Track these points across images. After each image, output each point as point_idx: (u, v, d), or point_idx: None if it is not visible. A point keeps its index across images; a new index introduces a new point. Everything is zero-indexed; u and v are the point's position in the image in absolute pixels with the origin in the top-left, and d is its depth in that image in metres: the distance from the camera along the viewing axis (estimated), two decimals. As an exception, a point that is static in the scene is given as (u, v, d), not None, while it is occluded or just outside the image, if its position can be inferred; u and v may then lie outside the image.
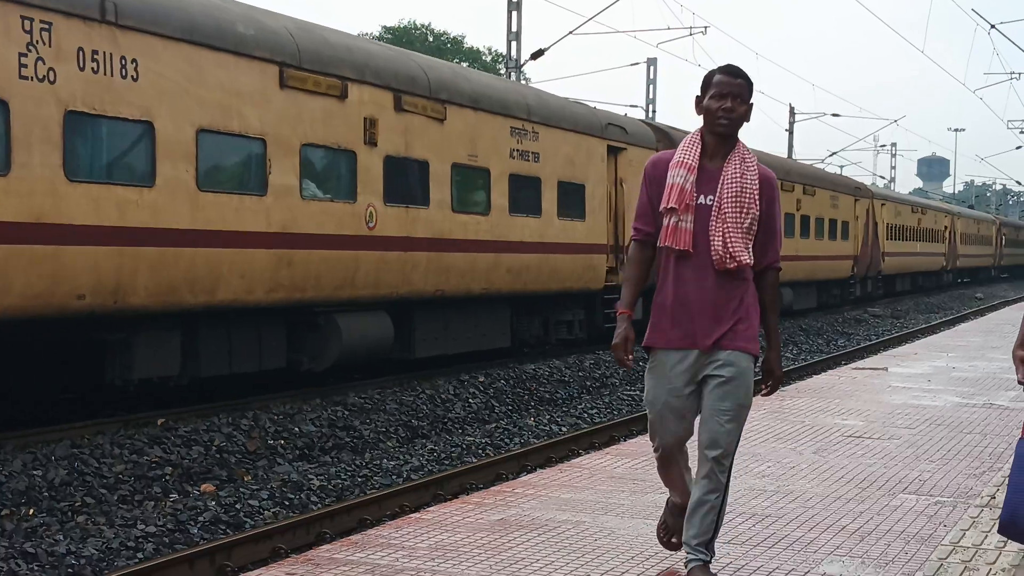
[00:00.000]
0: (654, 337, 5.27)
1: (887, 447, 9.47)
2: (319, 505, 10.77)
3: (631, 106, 39.72)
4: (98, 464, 10.98)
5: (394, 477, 12.02)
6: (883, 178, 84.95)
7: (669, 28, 36.78)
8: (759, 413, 11.28)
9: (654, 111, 40.50)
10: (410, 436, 14.31)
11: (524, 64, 31.57)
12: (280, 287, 14.14)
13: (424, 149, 16.87)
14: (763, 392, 5.36)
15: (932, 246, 57.40)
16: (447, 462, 12.95)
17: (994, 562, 6.03)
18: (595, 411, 16.97)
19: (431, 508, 7.45)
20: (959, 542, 6.44)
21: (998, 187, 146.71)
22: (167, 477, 11.13)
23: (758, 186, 5.19)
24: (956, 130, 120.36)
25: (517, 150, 19.35)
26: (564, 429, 15.35)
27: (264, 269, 13.87)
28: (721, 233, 5.12)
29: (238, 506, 10.44)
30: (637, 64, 41.91)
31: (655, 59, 41.53)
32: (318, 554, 6.14)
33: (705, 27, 34.93)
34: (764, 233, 5.25)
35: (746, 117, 5.21)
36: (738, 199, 5.14)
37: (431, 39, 70.11)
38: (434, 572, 5.69)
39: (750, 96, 5.24)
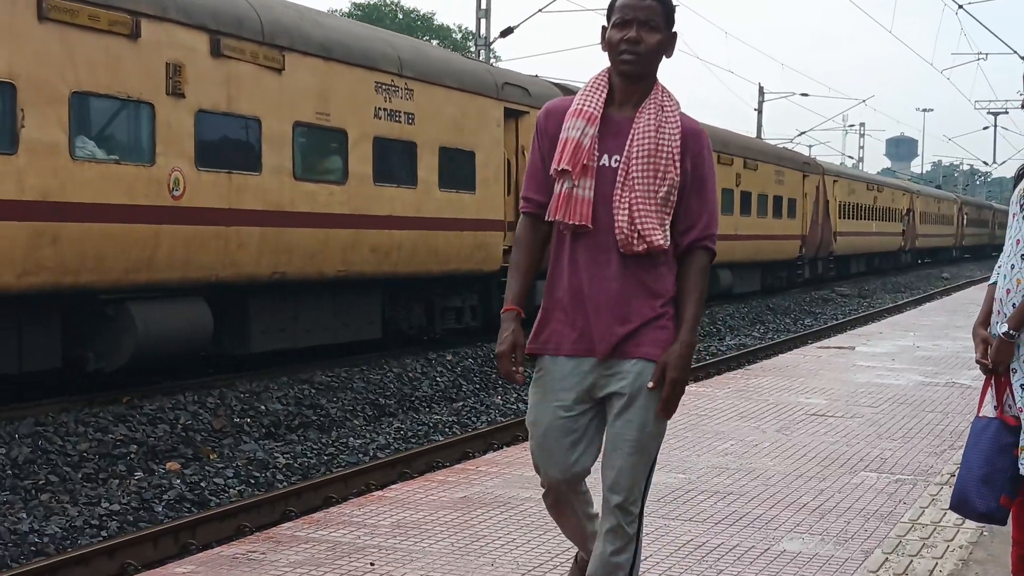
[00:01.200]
0: (540, 340, 4.08)
1: (849, 425, 9.54)
2: (285, 483, 10.76)
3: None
4: (62, 442, 10.94)
5: (360, 455, 12.03)
6: (851, 158, 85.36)
7: (639, 7, 36.70)
8: (724, 392, 11.34)
9: (623, 90, 40.47)
10: (377, 414, 14.31)
11: (494, 42, 31.51)
12: (41, 269, 11.53)
13: (255, 104, 14.20)
14: (649, 386, 3.92)
15: (889, 225, 55.11)
16: (414, 440, 12.96)
17: (952, 539, 6.10)
18: (562, 389, 16.97)
19: (395, 486, 7.46)
20: (918, 519, 6.51)
21: (965, 167, 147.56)
22: (132, 455, 11.10)
23: (679, 142, 3.93)
24: (924, 110, 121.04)
25: (385, 109, 16.59)
26: (531, 407, 15.35)
27: (14, 247, 11.25)
28: (628, 205, 3.88)
29: (203, 484, 10.42)
30: (607, 43, 41.58)
31: (625, 38, 41.43)
32: (280, 532, 6.14)
33: (675, 5, 34.93)
34: (689, 204, 3.98)
35: (662, 51, 4.02)
36: (651, 160, 3.89)
37: (401, 16, 69.87)
38: (395, 549, 5.70)
39: (667, 22, 4.04)
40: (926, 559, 5.73)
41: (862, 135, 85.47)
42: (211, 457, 11.58)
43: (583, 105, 4.01)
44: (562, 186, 3.96)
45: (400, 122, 16.98)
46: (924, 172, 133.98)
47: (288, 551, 5.68)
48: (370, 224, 16.35)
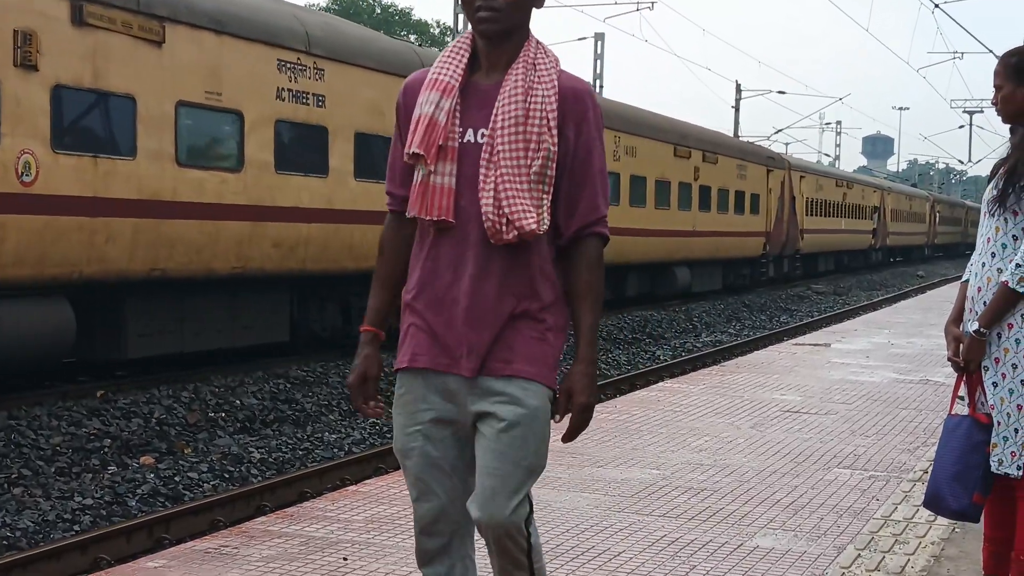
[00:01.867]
0: (401, 353, 3.43)
1: (824, 422, 9.57)
2: (259, 478, 10.74)
3: (578, 81, 39.69)
4: (35, 436, 10.89)
5: (336, 450, 12.01)
6: (828, 156, 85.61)
7: (616, 3, 36.74)
8: (699, 388, 11.36)
9: (601, 86, 40.52)
10: (352, 409, 14.28)
11: (471, 37, 31.49)
12: None
13: (128, 80, 12.77)
14: (556, 418, 3.34)
15: (859, 223, 53.71)
16: (389, 436, 12.94)
17: (924, 535, 6.12)
18: (538, 385, 16.99)
19: (369, 481, 7.45)
20: (891, 516, 6.53)
21: (941, 166, 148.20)
22: (105, 449, 11.05)
23: (555, 106, 3.26)
24: (900, 109, 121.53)
25: (290, 90, 15.17)
26: (507, 403, 15.36)
27: None
28: (493, 186, 3.21)
29: (177, 479, 10.39)
30: (584, 39, 41.84)
31: (602, 34, 41.53)
32: (252, 526, 6.12)
33: (652, 2, 34.93)
34: (572, 180, 3.31)
35: (529, 1, 3.35)
36: (520, 129, 3.23)
37: (379, 11, 69.72)
38: (368, 544, 5.70)
39: None
40: (898, 555, 5.76)
41: (839, 133, 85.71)
42: (185, 451, 11.54)
43: (438, 74, 3.35)
44: (418, 174, 3.32)
45: (308, 104, 15.53)
46: (900, 170, 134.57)
47: (261, 546, 5.67)
48: (272, 216, 14.90)
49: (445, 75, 3.35)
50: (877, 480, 7.45)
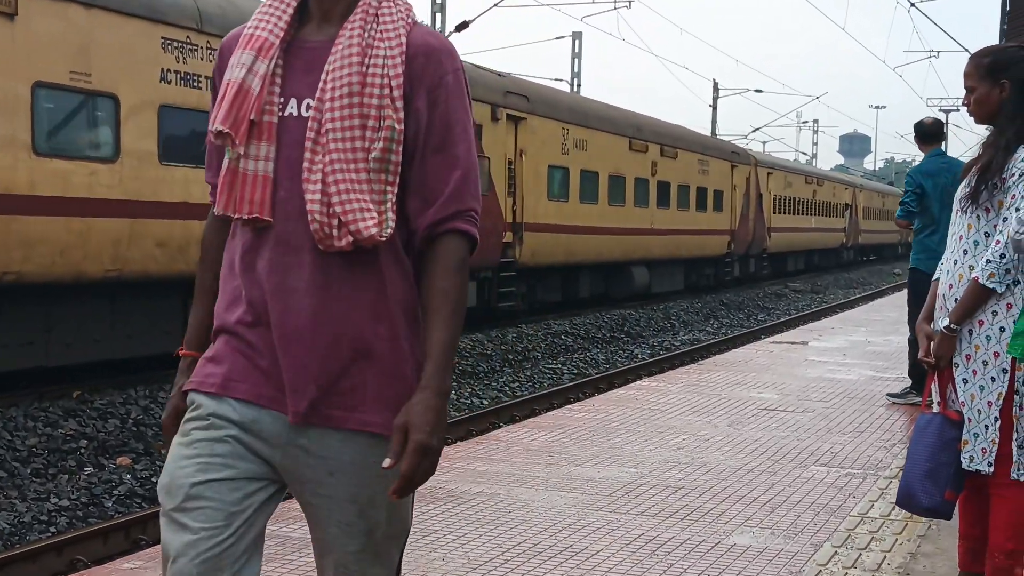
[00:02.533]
0: (200, 375, 2.62)
1: (801, 420, 9.60)
2: (237, 478, 10.70)
3: (556, 79, 39.74)
4: (11, 437, 10.84)
5: (313, 450, 11.97)
6: (805, 154, 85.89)
7: (594, 1, 36.76)
8: (677, 386, 11.39)
9: (579, 85, 40.55)
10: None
11: (449, 36, 31.44)
12: None
13: None
14: (385, 465, 2.41)
15: (829, 221, 52.37)
16: (367, 435, 12.91)
17: (900, 533, 6.15)
18: (516, 384, 17.03)
19: (347, 481, 7.43)
20: (867, 513, 6.56)
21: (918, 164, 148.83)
22: (82, 450, 11.01)
23: (401, 69, 2.51)
24: (877, 107, 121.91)
25: (177, 72, 13.55)
26: (485, 402, 15.38)
27: None
28: (321, 176, 2.48)
29: (154, 479, 10.35)
30: (563, 38, 41.84)
31: (580, 33, 41.56)
32: (230, 527, 6.10)
33: (630, 1, 34.92)
34: (426, 165, 2.55)
35: None
36: (356, 101, 2.48)
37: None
38: (346, 545, 5.68)
39: None
40: (875, 552, 5.78)
41: (816, 132, 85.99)
42: (162, 452, 11.50)
43: (255, 28, 2.61)
44: (226, 160, 2.59)
45: (200, 88, 13.80)
46: (877, 168, 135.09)
47: (238, 546, 5.64)
48: (155, 212, 13.24)
49: (263, 30, 2.60)
50: (854, 477, 7.47)
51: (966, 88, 4.67)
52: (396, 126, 2.49)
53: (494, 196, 21.33)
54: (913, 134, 10.54)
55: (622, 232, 27.65)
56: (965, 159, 4.81)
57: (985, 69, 4.59)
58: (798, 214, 45.93)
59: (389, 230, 2.50)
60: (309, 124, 2.51)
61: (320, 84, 2.52)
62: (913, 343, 10.34)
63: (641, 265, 29.06)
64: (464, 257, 2.58)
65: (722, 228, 35.49)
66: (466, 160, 2.59)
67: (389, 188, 2.52)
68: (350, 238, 2.47)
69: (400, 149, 2.51)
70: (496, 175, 21.50)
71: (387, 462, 2.42)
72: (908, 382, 10.83)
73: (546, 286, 25.02)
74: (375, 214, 2.48)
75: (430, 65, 2.56)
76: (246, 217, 2.54)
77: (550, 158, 23.84)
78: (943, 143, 10.50)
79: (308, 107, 2.53)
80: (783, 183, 43.31)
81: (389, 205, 2.51)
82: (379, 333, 2.53)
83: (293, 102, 2.56)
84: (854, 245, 59.18)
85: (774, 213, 41.63)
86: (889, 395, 10.78)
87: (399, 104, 2.50)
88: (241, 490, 2.54)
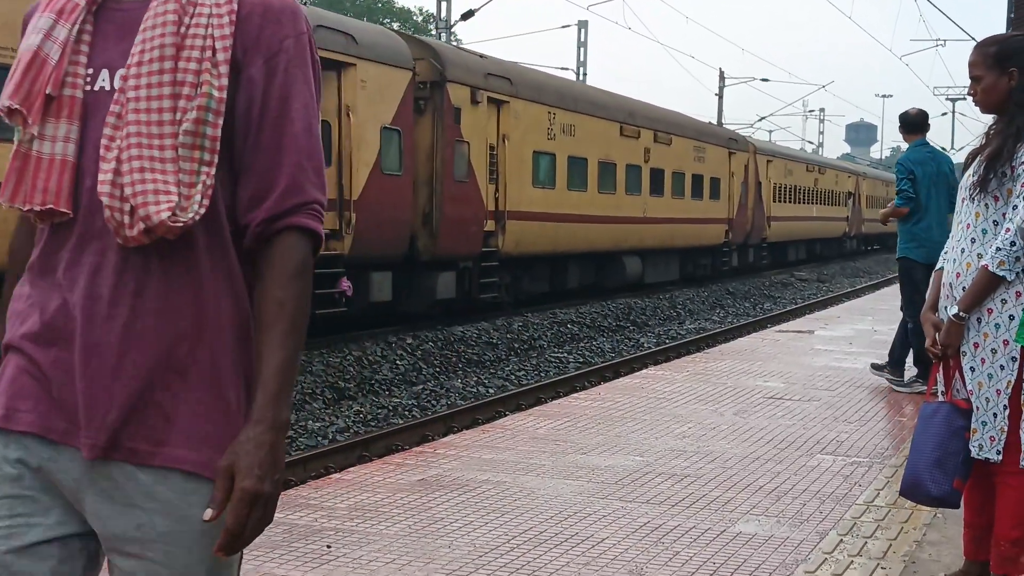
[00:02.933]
0: None
1: (806, 408, 9.60)
2: (243, 466, 10.71)
3: (562, 68, 39.70)
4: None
5: (319, 439, 12.00)
6: (811, 143, 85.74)
7: (600, -10, 36.74)
8: (683, 375, 11.38)
9: (585, 74, 40.52)
10: (336, 398, 14.28)
11: (455, 25, 31.42)
12: None
13: None
14: (206, 517, 2.01)
15: (832, 210, 50.88)
16: (373, 424, 12.95)
17: (906, 521, 6.15)
18: (522, 373, 17.04)
19: (353, 469, 7.45)
20: (873, 501, 6.56)
21: (904, 153, 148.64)
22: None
23: (230, 31, 2.11)
24: (884, 96, 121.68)
25: None
26: (491, 391, 15.40)
27: None
28: (116, 157, 2.07)
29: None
30: (568, 27, 41.81)
31: (586, 22, 41.52)
32: (237, 515, 6.11)
33: (635, -11, 34.76)
34: (259, 147, 2.14)
35: None
36: (168, 67, 2.08)
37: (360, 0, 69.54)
38: (352, 532, 5.70)
39: None
40: (880, 540, 5.78)
41: (822, 121, 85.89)
42: (169, 440, 11.53)
43: None
44: (17, 143, 2.16)
45: None
46: (883, 157, 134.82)
47: (244, 534, 5.65)
48: None
49: None
50: (860, 466, 7.47)
51: (972, 78, 4.64)
52: (214, 93, 2.06)
53: (474, 183, 20.30)
54: (899, 124, 10.69)
55: (613, 221, 26.38)
56: (972, 148, 4.79)
57: (992, 58, 4.57)
58: (799, 203, 44.65)
59: (192, 216, 2.04)
60: (115, 97, 2.08)
61: (131, 54, 2.09)
62: (916, 331, 10.40)
63: (634, 255, 27.82)
64: (305, 260, 2.12)
65: (719, 217, 34.08)
66: (307, 142, 2.15)
67: (204, 169, 2.06)
68: (142, 226, 2.02)
69: (218, 122, 2.07)
70: (476, 161, 20.34)
71: (208, 513, 2.01)
72: (913, 370, 10.81)
73: (532, 276, 23.81)
74: (174, 197, 2.03)
75: (268, 27, 2.12)
76: (38, 209, 2.10)
77: (535, 143, 22.66)
78: (926, 134, 10.64)
79: (121, 79, 2.09)
80: (783, 171, 41.98)
81: (201, 188, 2.06)
82: (197, 350, 2.09)
83: (105, 74, 2.11)
84: (857, 234, 57.98)
85: (774, 202, 40.30)
86: (894, 387, 10.76)
87: (222, 70, 2.07)
88: (54, 557, 2.11)
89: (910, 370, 10.79)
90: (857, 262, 52.53)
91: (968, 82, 4.70)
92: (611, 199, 26.30)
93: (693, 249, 32.50)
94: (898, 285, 11.05)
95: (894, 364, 10.79)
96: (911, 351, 10.49)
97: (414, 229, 18.69)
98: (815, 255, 49.80)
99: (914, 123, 10.60)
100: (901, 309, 10.73)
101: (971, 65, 4.64)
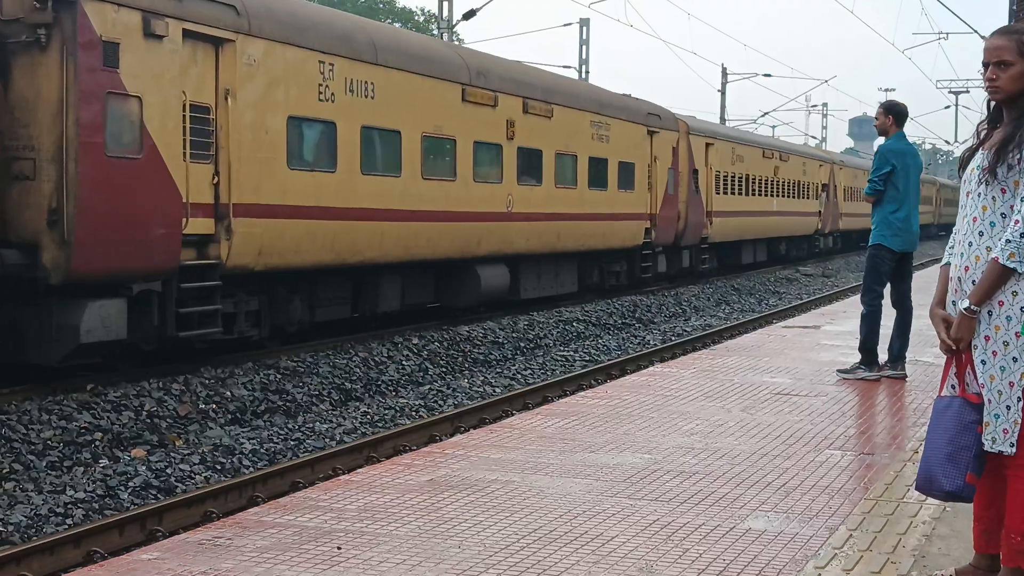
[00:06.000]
0: None
1: (814, 404, 9.59)
2: (251, 469, 10.74)
3: (564, 66, 39.69)
4: (26, 430, 10.87)
5: (327, 440, 12.01)
6: (815, 138, 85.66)
7: (601, -12, 36.77)
8: (689, 372, 11.38)
9: (587, 72, 40.50)
10: (343, 399, 14.29)
11: (456, 24, 31.44)
12: None
13: None
14: None
15: (799, 203, 43.60)
16: (380, 424, 12.96)
17: (915, 515, 6.15)
18: (528, 372, 17.04)
19: (361, 470, 7.46)
20: (882, 496, 6.56)
21: (927, 146, 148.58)
22: (97, 443, 11.05)
23: None
24: (886, 90, 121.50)
25: None
26: (498, 390, 15.40)
27: None
28: None
29: (169, 471, 10.38)
30: (570, 25, 41.81)
31: (588, 19, 41.50)
32: (246, 517, 6.13)
33: (637, -13, 34.74)
34: None
35: None
36: None
37: (363, 0, 69.58)
38: (362, 533, 5.71)
39: None
40: (890, 535, 5.78)
41: (825, 115, 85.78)
42: (177, 443, 11.54)
43: None
44: None
45: None
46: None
47: (255, 536, 5.67)
48: None
49: None
50: (868, 461, 7.47)
51: (999, 62, 4.51)
52: None
53: (154, 159, 13.09)
54: (889, 113, 10.82)
55: (454, 218, 19.36)
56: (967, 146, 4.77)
57: None
58: (753, 195, 37.38)
59: None
60: None
61: None
62: (867, 318, 10.66)
63: (496, 263, 20.95)
64: None
65: (634, 212, 26.85)
66: None
67: None
68: None
69: None
70: (158, 126, 13.14)
71: None
72: (920, 364, 10.86)
73: (314, 298, 16.74)
74: None
75: None
76: None
77: (294, 106, 15.32)
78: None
79: None
80: (729, 156, 34.81)
81: None
82: None
83: None
84: (833, 231, 50.46)
85: (717, 193, 33.42)
86: (839, 371, 10.97)
87: None
88: None
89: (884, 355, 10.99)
90: (861, 256, 52.09)
91: (974, 74, 4.68)
92: (450, 188, 19.24)
93: (598, 253, 25.78)
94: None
95: (894, 359, 10.97)
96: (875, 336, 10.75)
97: (36, 234, 12.12)
98: (779, 256, 42.89)
99: (903, 115, 10.88)
100: (861, 297, 11.07)
101: (999, 49, 4.51)
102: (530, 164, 21.99)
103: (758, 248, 39.97)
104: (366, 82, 16.90)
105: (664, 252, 29.40)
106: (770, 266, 40.85)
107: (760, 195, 38.14)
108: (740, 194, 35.83)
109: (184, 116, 13.54)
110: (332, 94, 16.17)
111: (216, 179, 14.10)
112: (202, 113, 13.90)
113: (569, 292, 24.63)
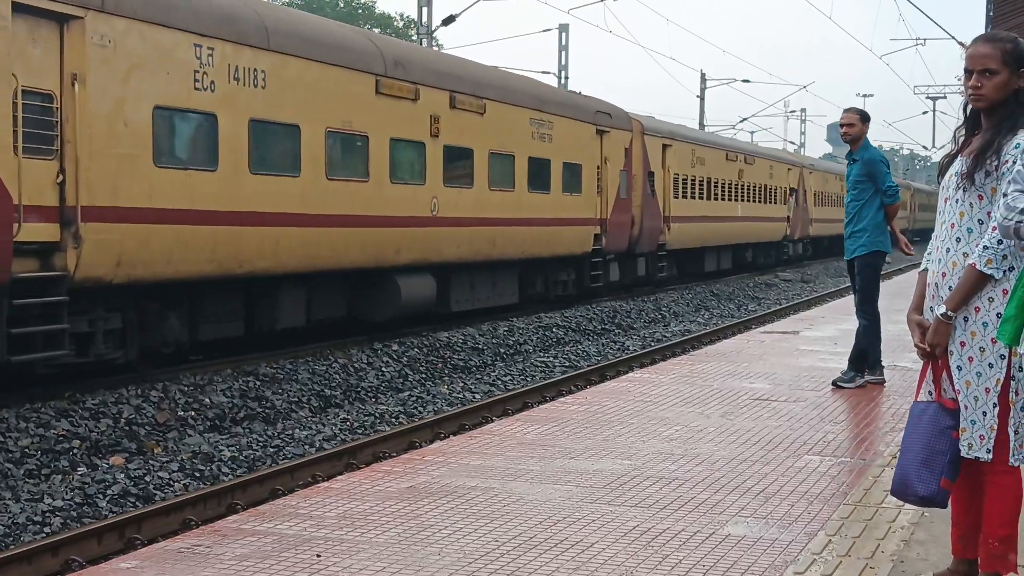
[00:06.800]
0: None
1: (793, 409, 9.62)
2: (230, 476, 10.71)
3: (544, 72, 39.72)
4: (3, 438, 10.81)
5: (306, 447, 11.98)
6: (794, 143, 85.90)
7: (580, -6, 36.78)
8: (669, 377, 11.39)
9: (567, 77, 40.55)
10: (323, 406, 14.26)
11: (436, 30, 31.43)
12: None
13: None
14: None
15: (766, 208, 41.76)
16: (360, 431, 12.93)
17: (894, 520, 6.17)
18: (508, 378, 17.04)
19: (341, 477, 7.44)
20: (860, 501, 6.58)
21: (905, 152, 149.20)
22: (75, 450, 10.99)
23: None
24: (864, 96, 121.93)
25: None
26: (478, 396, 15.39)
27: None
28: None
29: (148, 478, 10.34)
30: (549, 31, 41.84)
31: (567, 25, 41.54)
32: (225, 525, 6.11)
33: (615, -7, 34.72)
34: None
35: None
36: None
37: (342, 4, 69.53)
38: (341, 541, 5.69)
39: None
40: (869, 540, 5.80)
41: (803, 121, 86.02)
42: (155, 451, 11.49)
43: None
44: None
45: None
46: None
47: (234, 544, 5.65)
48: None
49: None
50: (846, 466, 7.49)
51: (983, 70, 4.52)
52: None
53: None
54: (864, 119, 10.76)
55: (365, 223, 17.36)
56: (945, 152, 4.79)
57: (1010, 55, 4.49)
58: (716, 199, 35.76)
59: None
60: None
61: None
62: (870, 329, 10.62)
63: (420, 272, 19.03)
64: None
65: (582, 216, 25.10)
66: None
67: None
68: None
69: None
70: None
71: None
72: (898, 369, 10.88)
73: (206, 314, 14.98)
74: None
75: None
76: None
77: (163, 95, 13.39)
78: None
79: None
80: (689, 158, 33.05)
81: None
82: None
83: None
84: (803, 237, 48.47)
85: (676, 197, 31.65)
86: (837, 383, 10.78)
87: None
88: None
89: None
90: (839, 262, 52.19)
91: (953, 80, 4.70)
92: (359, 190, 17.27)
93: (542, 261, 24.00)
94: (858, 281, 11.08)
95: (872, 364, 10.95)
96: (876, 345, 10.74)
97: None
98: (744, 263, 40.92)
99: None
100: (859, 310, 10.89)
101: (984, 57, 4.50)
102: (459, 164, 20.16)
103: (722, 255, 38.14)
104: (255, 70, 14.96)
105: (617, 260, 27.69)
106: (736, 274, 39.31)
107: (723, 199, 36.72)
108: (701, 198, 34.32)
109: (15, 104, 11.50)
110: (212, 82, 14.17)
111: (61, 178, 12.11)
112: (42, 101, 11.94)
113: (509, 303, 22.80)
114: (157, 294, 13.89)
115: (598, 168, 25.98)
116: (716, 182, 35.70)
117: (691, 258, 34.79)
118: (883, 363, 11.15)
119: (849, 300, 24.24)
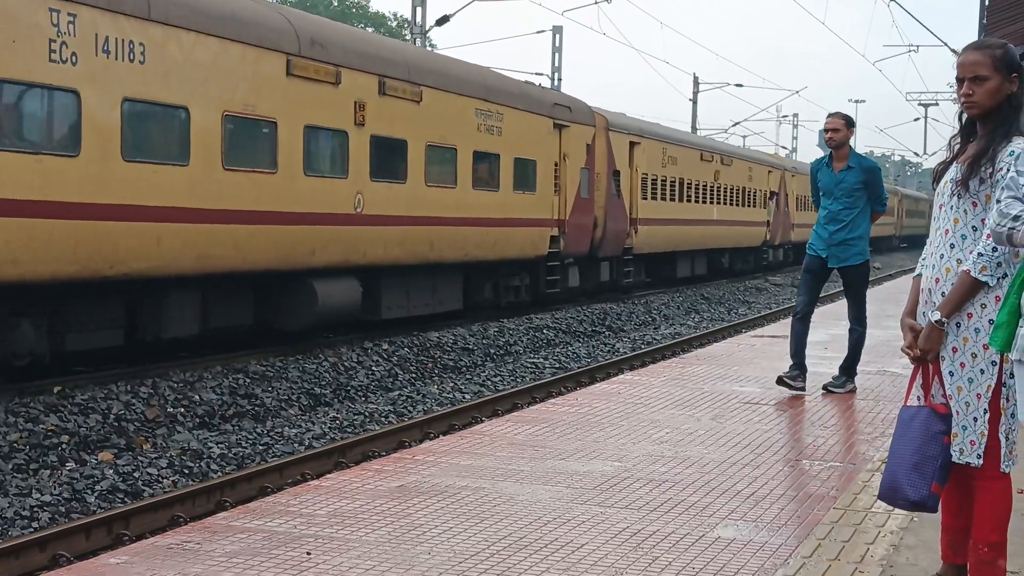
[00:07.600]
0: None
1: (783, 413, 9.63)
2: (219, 473, 10.70)
3: (537, 74, 39.74)
4: (-8, 433, 10.79)
5: (296, 445, 11.98)
6: (785, 148, 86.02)
7: (575, -4, 36.76)
8: (659, 380, 11.39)
9: (560, 79, 40.56)
10: (312, 404, 14.25)
11: (429, 30, 31.43)
12: None
13: None
14: None
15: (744, 212, 40.07)
16: (350, 430, 12.92)
17: (883, 525, 6.18)
18: (499, 378, 17.04)
19: (331, 476, 7.44)
20: (850, 505, 6.58)
21: (897, 158, 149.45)
22: (63, 446, 10.97)
23: None
24: (857, 101, 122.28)
25: None
26: (468, 396, 15.39)
27: None
28: None
29: (136, 475, 10.33)
30: (543, 32, 41.86)
31: (561, 27, 41.55)
32: (215, 521, 6.10)
33: (610, -5, 34.76)
34: None
35: None
36: None
37: (336, 4, 69.49)
38: (331, 539, 5.69)
39: None
40: (858, 544, 5.80)
41: (796, 126, 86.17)
42: (144, 447, 11.48)
43: None
44: None
45: None
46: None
47: (223, 541, 5.64)
48: None
49: None
50: (836, 470, 7.50)
51: (974, 77, 4.52)
52: None
53: None
54: (850, 125, 10.78)
55: (271, 219, 15.49)
56: (945, 153, 4.80)
57: (1000, 61, 4.50)
58: (688, 201, 33.94)
59: None
60: None
61: None
62: (863, 337, 10.65)
63: (342, 276, 17.26)
64: None
65: (537, 217, 23.25)
66: None
67: None
68: None
69: None
70: None
71: None
72: (888, 374, 10.90)
73: (71, 322, 13.33)
74: None
75: None
76: None
77: (4, 66, 11.62)
78: None
79: None
80: (659, 157, 31.16)
81: None
82: None
83: None
84: (784, 243, 46.57)
85: (644, 198, 29.76)
86: (828, 387, 10.80)
87: None
88: None
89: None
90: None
91: (945, 87, 4.71)
92: (265, 183, 15.40)
93: (490, 264, 22.09)
94: (852, 291, 11.12)
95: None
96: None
97: None
98: (720, 269, 39.34)
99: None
100: (856, 319, 10.91)
101: (974, 64, 4.51)
102: (389, 157, 18.11)
103: (696, 260, 36.33)
104: (131, 42, 13.02)
105: (577, 264, 25.79)
106: (712, 280, 37.65)
107: (697, 202, 34.91)
108: (673, 200, 32.47)
109: None
110: (73, 54, 12.26)
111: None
112: None
113: (451, 310, 21.05)
114: (3, 299, 12.15)
115: (556, 165, 24.29)
116: (689, 183, 34.04)
117: (661, 263, 33.20)
118: (885, 369, 11.17)
119: (839, 306, 24.27)
